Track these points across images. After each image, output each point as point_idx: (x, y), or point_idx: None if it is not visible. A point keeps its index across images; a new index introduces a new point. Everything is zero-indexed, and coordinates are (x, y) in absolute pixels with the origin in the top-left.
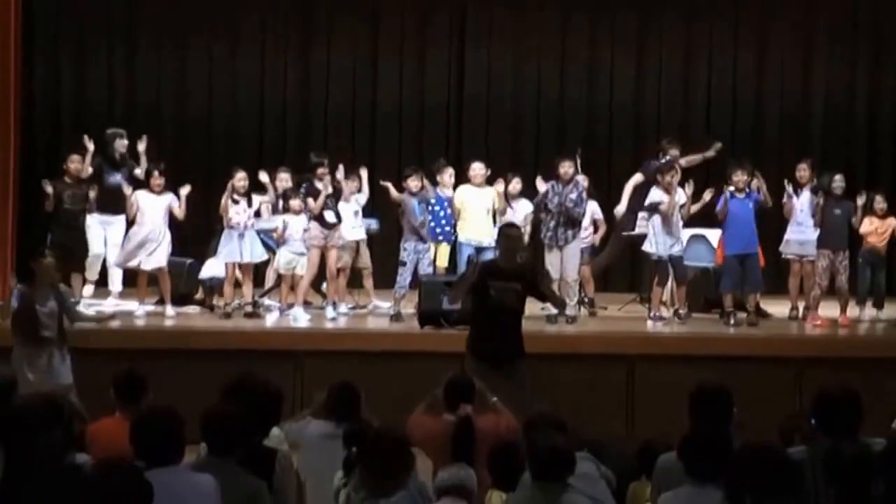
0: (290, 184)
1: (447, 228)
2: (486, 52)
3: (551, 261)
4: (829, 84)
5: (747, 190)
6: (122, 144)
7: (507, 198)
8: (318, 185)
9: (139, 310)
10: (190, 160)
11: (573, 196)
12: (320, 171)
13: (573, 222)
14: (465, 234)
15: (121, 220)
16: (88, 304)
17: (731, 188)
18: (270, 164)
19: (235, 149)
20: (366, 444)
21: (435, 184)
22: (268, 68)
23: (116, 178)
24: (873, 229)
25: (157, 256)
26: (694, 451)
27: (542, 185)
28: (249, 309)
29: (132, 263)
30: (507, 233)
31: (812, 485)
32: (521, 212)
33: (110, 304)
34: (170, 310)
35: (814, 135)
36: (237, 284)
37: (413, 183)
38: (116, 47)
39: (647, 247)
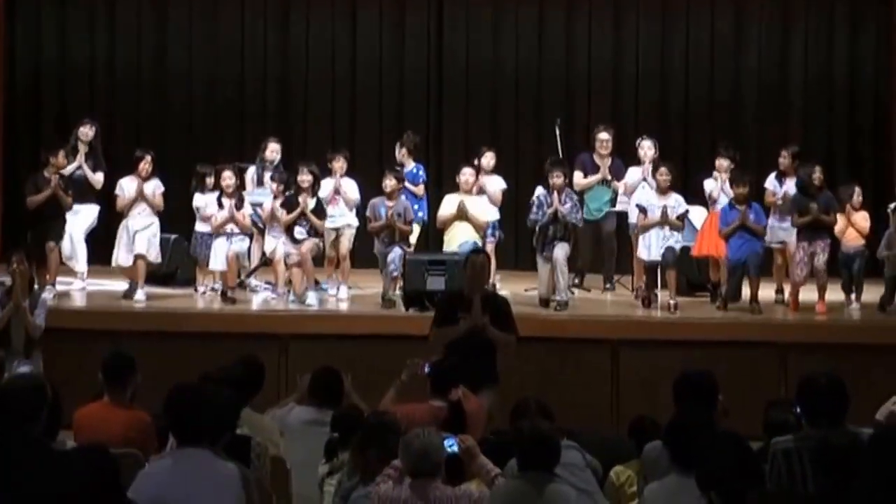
0: (279, 155)
1: (414, 206)
2: (465, 20)
3: (541, 272)
4: (807, 58)
5: (748, 201)
6: (83, 133)
7: (479, 172)
8: (299, 197)
9: (139, 293)
10: (170, 126)
11: (567, 206)
12: (302, 178)
13: (567, 229)
14: (449, 245)
15: (88, 208)
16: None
17: (730, 200)
18: (251, 130)
19: (216, 115)
20: (359, 431)
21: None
22: (247, 35)
23: (81, 167)
24: (847, 226)
25: (139, 242)
26: (680, 441)
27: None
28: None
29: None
30: (474, 261)
31: (799, 474)
32: (492, 187)
33: (77, 286)
34: (140, 294)
35: (793, 110)
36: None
37: (387, 182)
38: (97, 13)
39: (642, 253)
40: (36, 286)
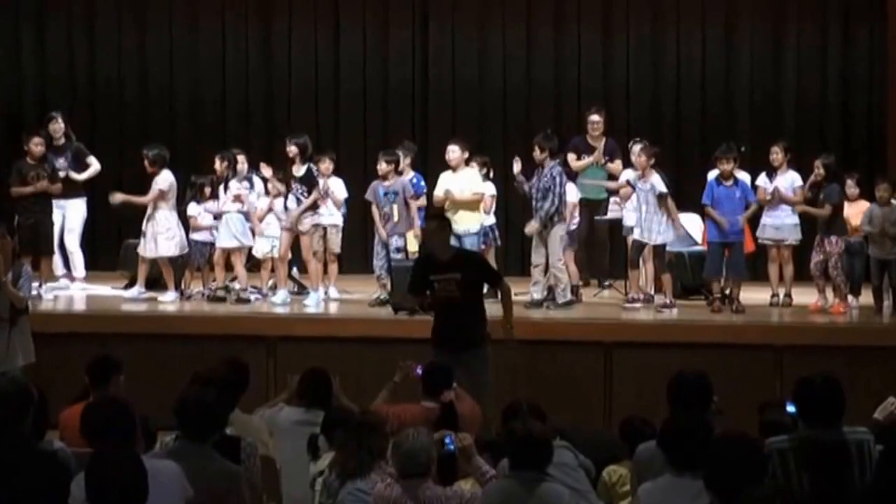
0: (246, 164)
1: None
2: (451, 27)
3: (535, 246)
4: (800, 61)
5: (735, 178)
6: (54, 129)
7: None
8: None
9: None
10: (151, 134)
11: (546, 178)
12: (288, 150)
13: (551, 206)
14: (456, 226)
15: (75, 203)
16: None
17: (717, 174)
18: (233, 139)
19: (198, 130)
20: (345, 429)
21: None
22: (229, 44)
23: (60, 161)
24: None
25: (159, 244)
26: (674, 441)
27: (517, 166)
28: (221, 293)
29: (147, 254)
30: (428, 227)
31: (796, 475)
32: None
33: (77, 289)
34: (167, 295)
35: (785, 112)
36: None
37: (380, 166)
38: (76, 21)
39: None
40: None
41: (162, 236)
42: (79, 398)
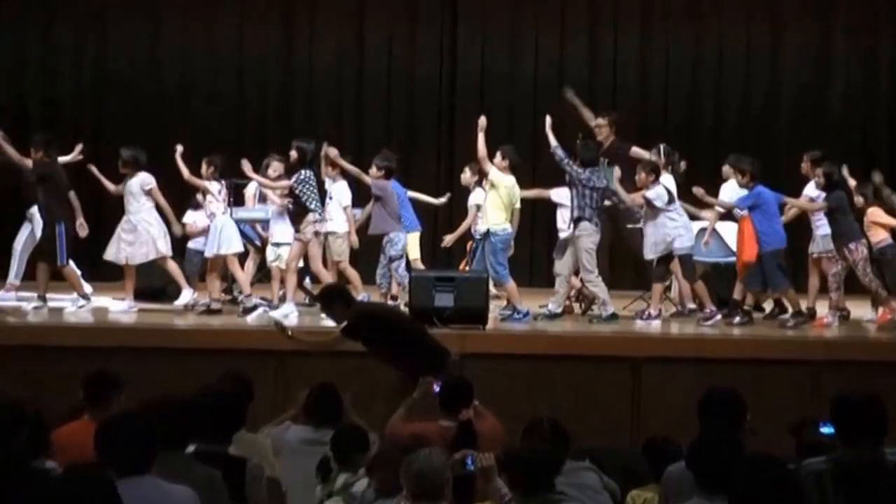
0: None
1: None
2: (480, 24)
3: (563, 255)
4: (848, 68)
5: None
6: None
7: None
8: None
9: (120, 305)
10: (165, 136)
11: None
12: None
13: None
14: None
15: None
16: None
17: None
18: (251, 140)
19: (214, 125)
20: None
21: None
22: (247, 41)
23: None
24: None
25: (113, 248)
26: (703, 461)
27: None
28: (216, 305)
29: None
30: None
31: (833, 498)
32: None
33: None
34: (121, 304)
35: (831, 125)
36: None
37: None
38: (87, 17)
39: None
40: None
41: (145, 236)
42: (72, 416)
